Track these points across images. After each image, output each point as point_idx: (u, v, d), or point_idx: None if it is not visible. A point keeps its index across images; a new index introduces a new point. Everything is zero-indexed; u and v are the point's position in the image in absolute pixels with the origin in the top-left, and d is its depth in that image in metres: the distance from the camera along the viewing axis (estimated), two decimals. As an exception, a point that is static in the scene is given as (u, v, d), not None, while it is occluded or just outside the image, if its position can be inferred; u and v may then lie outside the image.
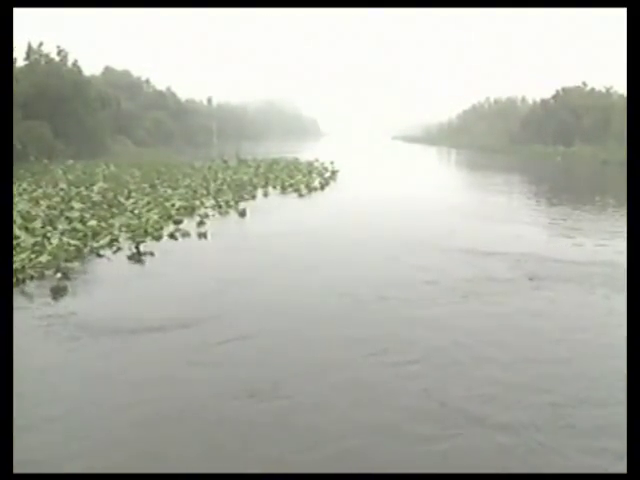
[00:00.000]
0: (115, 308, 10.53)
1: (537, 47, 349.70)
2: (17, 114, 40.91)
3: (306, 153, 66.07)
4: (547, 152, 71.43)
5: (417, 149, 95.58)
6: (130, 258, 14.68)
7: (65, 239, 15.16)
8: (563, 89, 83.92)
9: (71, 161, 43.63)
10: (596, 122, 72.14)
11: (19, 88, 42.16)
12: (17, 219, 17.77)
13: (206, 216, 20.80)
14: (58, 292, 11.71)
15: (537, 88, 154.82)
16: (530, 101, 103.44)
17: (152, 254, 14.97)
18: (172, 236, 17.15)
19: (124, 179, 31.01)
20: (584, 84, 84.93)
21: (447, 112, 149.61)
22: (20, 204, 21.30)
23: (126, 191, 25.32)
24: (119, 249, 15.31)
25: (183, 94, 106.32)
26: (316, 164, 44.18)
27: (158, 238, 16.74)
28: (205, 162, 44.92)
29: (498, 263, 14.00)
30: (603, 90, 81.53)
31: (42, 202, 22.10)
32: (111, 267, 13.86)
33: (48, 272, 12.72)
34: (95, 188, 26.55)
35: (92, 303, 10.92)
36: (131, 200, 23.07)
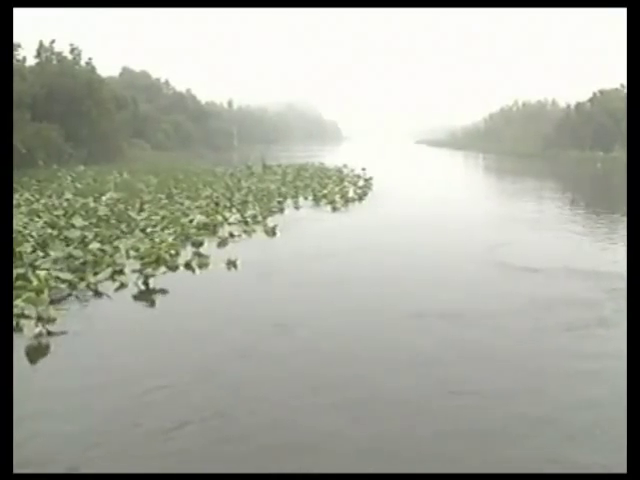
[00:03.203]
0: (104, 399, 7.21)
1: (565, 48, 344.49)
2: (25, 115, 38.07)
3: (330, 157, 63.16)
4: (585, 158, 67.78)
5: (445, 154, 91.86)
6: (136, 298, 11.44)
7: (55, 272, 11.98)
8: (600, 91, 79.95)
9: (82, 167, 40.64)
10: (637, 126, 68.19)
11: (27, 87, 39.33)
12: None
13: (230, 236, 17.67)
14: (31, 358, 8.55)
15: (567, 90, 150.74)
16: (562, 104, 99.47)
17: (164, 292, 11.77)
18: (189, 266, 13.84)
19: (138, 188, 27.83)
20: (622, 86, 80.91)
21: (471, 115, 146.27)
22: (15, 219, 18.10)
23: (139, 203, 22.13)
24: (123, 285, 12.05)
25: (203, 96, 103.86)
26: (345, 170, 40.98)
27: (173, 268, 13.49)
28: (227, 168, 41.74)
29: (576, 282, 12.36)
30: (643, 92, 77.38)
31: (40, 216, 18.95)
32: (110, 315, 10.61)
33: (27, 322, 9.53)
34: (104, 199, 23.39)
35: (69, 387, 7.57)
36: (143, 215, 19.88)
